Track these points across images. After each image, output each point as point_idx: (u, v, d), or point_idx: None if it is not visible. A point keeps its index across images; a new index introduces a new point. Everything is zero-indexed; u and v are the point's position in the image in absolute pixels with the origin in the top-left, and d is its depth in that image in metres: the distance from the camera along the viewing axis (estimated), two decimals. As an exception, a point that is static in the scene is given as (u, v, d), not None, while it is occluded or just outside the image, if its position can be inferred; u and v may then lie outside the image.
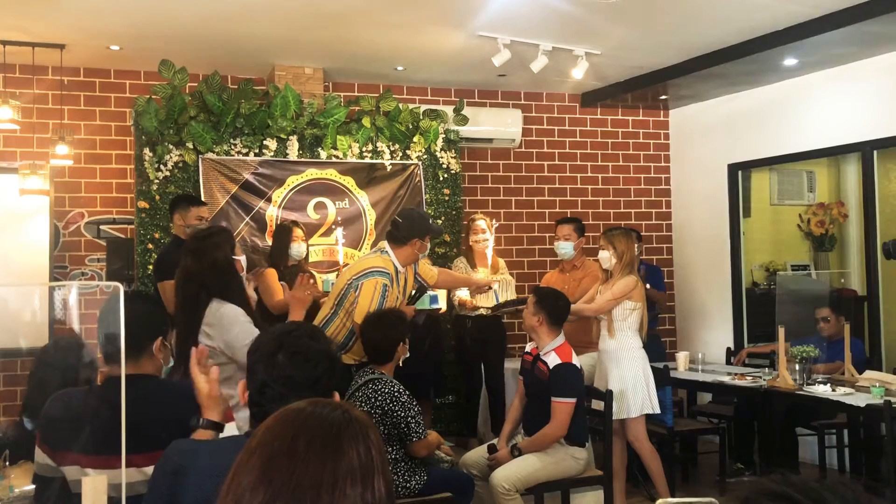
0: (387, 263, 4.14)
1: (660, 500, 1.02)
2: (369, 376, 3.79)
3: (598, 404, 4.42)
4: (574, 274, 5.39)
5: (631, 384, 4.54)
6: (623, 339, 4.58)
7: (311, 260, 5.59)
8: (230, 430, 2.28)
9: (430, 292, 5.15)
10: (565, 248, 5.32)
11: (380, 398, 3.65)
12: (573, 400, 4.04)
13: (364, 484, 1.01)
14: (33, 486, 2.51)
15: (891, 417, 4.08)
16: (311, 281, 3.60)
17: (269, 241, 5.47)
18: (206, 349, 2.30)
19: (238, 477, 1.02)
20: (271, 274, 4.89)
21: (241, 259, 3.38)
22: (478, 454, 4.31)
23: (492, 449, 4.21)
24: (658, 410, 4.67)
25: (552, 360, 4.08)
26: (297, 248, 5.03)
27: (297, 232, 5.07)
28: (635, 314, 4.60)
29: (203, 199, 5.21)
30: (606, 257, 4.66)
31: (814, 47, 5.31)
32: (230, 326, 3.03)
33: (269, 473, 1.00)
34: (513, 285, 5.35)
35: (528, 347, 4.33)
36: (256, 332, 3.06)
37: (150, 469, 2.10)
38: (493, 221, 5.54)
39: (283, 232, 5.09)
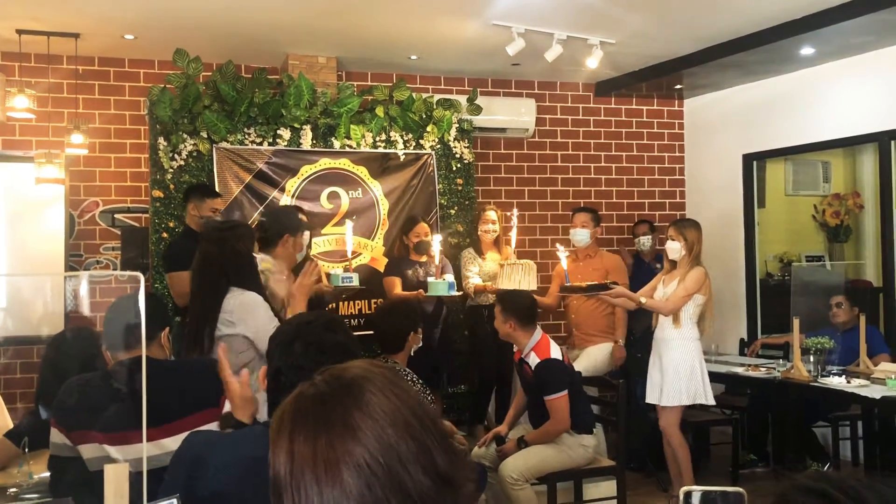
0: (266, 265, 3.69)
1: (685, 487, 1.02)
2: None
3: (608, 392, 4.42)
4: (589, 262, 5.38)
5: (685, 372, 4.56)
6: (683, 329, 4.60)
7: (323, 250, 5.61)
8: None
9: (448, 278, 5.12)
10: (582, 235, 5.29)
11: (393, 387, 3.66)
12: (564, 393, 4.03)
13: (389, 457, 0.94)
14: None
15: (906, 410, 4.06)
16: (317, 267, 3.54)
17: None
18: (226, 347, 2.34)
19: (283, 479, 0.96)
20: None
21: (259, 257, 3.41)
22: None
23: (500, 441, 4.23)
24: (712, 402, 4.70)
25: (532, 360, 4.09)
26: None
27: (301, 218, 4.77)
28: (698, 306, 4.62)
29: (217, 188, 5.22)
30: (677, 248, 4.64)
31: (831, 36, 5.26)
32: (255, 313, 3.06)
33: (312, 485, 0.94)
34: (527, 271, 5.26)
35: (516, 348, 4.33)
36: (275, 319, 3.10)
37: (164, 441, 2.19)
38: (516, 211, 5.47)
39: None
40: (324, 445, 0.93)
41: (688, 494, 1.01)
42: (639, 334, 5.33)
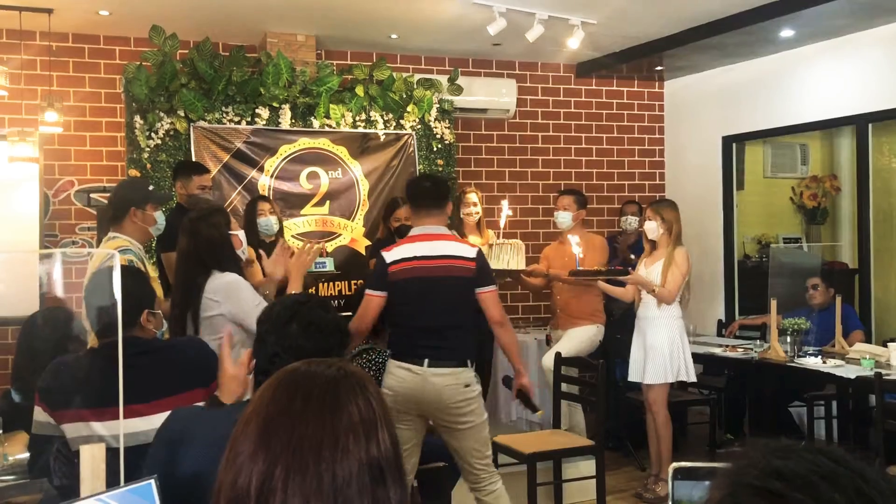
0: (122, 243, 3.46)
1: (674, 464, 1.03)
2: (363, 346, 3.79)
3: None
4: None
5: (666, 350, 4.63)
6: (668, 308, 4.68)
7: (302, 231, 5.56)
8: None
9: None
10: (563, 218, 5.26)
11: (373, 368, 3.66)
12: (372, 291, 3.48)
13: (367, 437, 0.99)
14: (27, 455, 2.52)
15: (880, 389, 4.11)
16: (316, 246, 3.55)
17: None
18: (231, 332, 2.33)
19: (236, 447, 1.00)
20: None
21: (240, 234, 3.39)
22: None
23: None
24: (692, 379, 4.76)
25: None
26: (265, 222, 4.64)
27: (262, 205, 4.69)
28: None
29: (195, 167, 5.15)
30: (653, 227, 4.73)
31: (811, 18, 5.27)
32: (238, 292, 3.10)
33: (267, 438, 0.98)
34: (515, 250, 5.22)
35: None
36: (260, 296, 3.11)
37: (153, 416, 2.17)
38: (506, 203, 5.42)
39: (249, 206, 4.81)
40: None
41: (676, 471, 1.00)
42: (618, 315, 5.35)
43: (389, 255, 3.49)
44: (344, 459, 0.97)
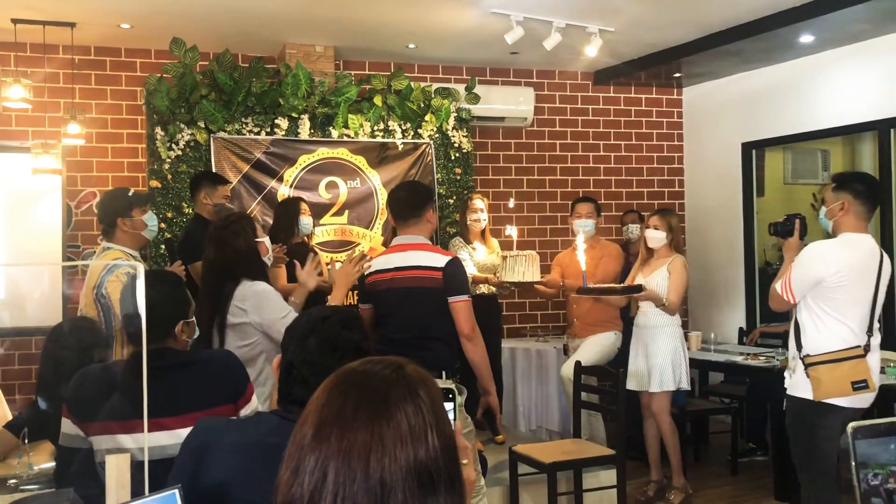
0: (117, 254, 3.62)
1: (853, 423, 1.08)
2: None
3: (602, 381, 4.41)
4: (590, 253, 5.33)
5: (669, 359, 4.64)
6: (665, 315, 4.67)
7: (322, 240, 5.59)
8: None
9: None
10: (588, 225, 5.22)
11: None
12: (360, 304, 3.62)
13: (416, 444, 1.00)
14: (52, 464, 2.54)
15: (906, 398, 4.06)
16: (368, 257, 3.47)
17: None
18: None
19: (293, 444, 1.03)
20: None
21: (265, 241, 3.39)
22: None
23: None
24: (688, 387, 4.76)
25: None
26: (306, 222, 4.71)
27: (304, 205, 4.78)
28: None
29: (215, 178, 5.19)
30: (661, 237, 4.71)
31: (830, 24, 5.24)
32: (267, 302, 3.09)
33: (319, 441, 1.00)
34: (530, 261, 5.18)
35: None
36: (288, 306, 3.11)
37: (181, 431, 2.16)
38: (511, 201, 5.39)
39: (292, 205, 4.82)
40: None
41: (856, 430, 1.02)
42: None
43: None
44: (391, 465, 0.98)
